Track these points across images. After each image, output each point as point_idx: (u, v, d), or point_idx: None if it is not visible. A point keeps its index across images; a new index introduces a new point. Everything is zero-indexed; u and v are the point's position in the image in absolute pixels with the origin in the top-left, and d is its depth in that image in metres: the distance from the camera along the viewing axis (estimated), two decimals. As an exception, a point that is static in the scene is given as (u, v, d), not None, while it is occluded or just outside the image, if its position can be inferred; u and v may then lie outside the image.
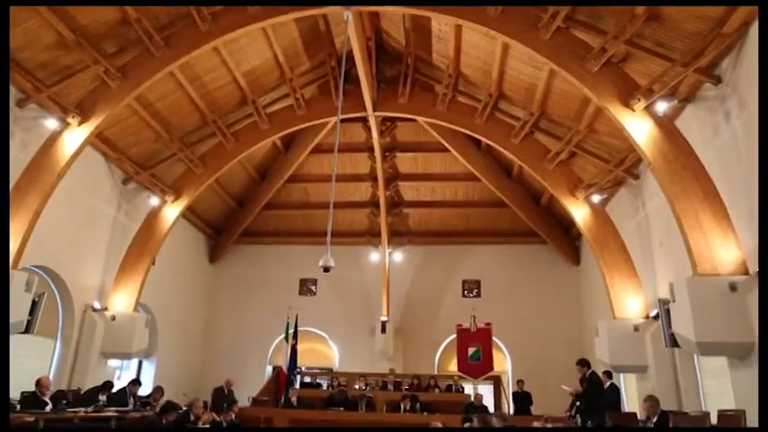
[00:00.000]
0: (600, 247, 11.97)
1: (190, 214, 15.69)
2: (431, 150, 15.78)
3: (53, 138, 9.72)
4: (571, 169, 12.55)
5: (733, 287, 7.11)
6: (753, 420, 5.90)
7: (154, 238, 13.07)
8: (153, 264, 13.09)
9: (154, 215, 13.19)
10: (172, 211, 13.34)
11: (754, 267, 7.13)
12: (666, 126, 8.40)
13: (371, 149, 15.17)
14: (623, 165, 11.19)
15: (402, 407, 11.54)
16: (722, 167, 7.94)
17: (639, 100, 8.40)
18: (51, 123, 9.67)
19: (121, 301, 12.36)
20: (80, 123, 9.87)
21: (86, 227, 11.82)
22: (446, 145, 14.78)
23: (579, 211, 12.25)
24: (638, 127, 8.47)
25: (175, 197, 13.35)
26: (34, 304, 8.83)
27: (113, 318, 11.89)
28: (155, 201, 13.15)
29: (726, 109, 7.89)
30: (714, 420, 6.24)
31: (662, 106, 8.39)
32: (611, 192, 12.36)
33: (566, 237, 16.38)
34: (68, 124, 9.78)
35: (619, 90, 8.76)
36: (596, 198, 12.05)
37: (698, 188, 7.79)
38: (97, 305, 11.94)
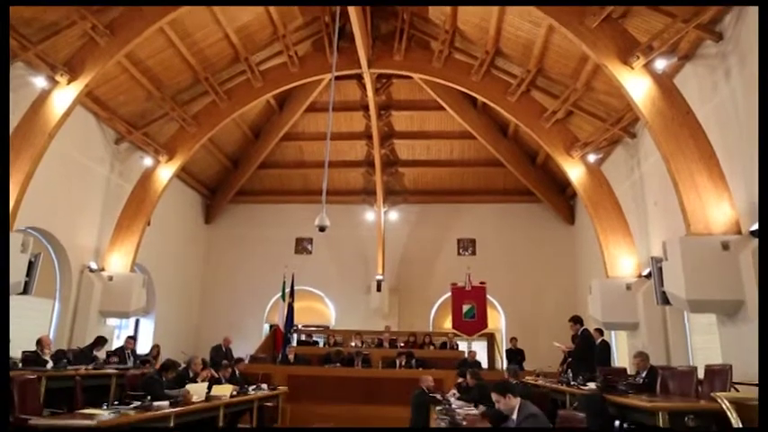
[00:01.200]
0: (594, 206, 12.00)
1: (184, 174, 15.59)
2: (426, 109, 15.60)
3: (42, 97, 9.54)
4: (567, 128, 12.47)
5: (725, 246, 7.17)
6: (738, 374, 6.05)
7: (148, 198, 13.01)
8: (148, 224, 13.09)
9: (148, 175, 13.10)
10: (166, 171, 13.24)
11: (747, 227, 7.18)
12: (665, 84, 8.29)
13: (366, 108, 14.98)
14: (620, 123, 11.12)
15: (397, 363, 11.79)
16: (719, 126, 7.90)
17: (639, 57, 8.26)
18: (40, 82, 9.47)
19: (118, 262, 12.41)
20: (69, 82, 9.66)
21: (80, 188, 11.75)
22: (442, 103, 14.60)
23: (575, 171, 12.23)
24: (637, 85, 8.37)
25: (169, 157, 13.23)
26: (31, 265, 8.85)
27: (110, 278, 11.96)
28: (148, 161, 13.03)
29: (726, 67, 7.79)
30: (701, 374, 6.38)
31: (661, 64, 8.26)
32: (607, 151, 12.32)
33: (561, 196, 16.42)
34: (57, 83, 9.58)
35: (618, 47, 8.60)
36: (592, 157, 12.01)
37: (694, 147, 7.76)
38: (94, 266, 11.98)
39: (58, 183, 10.92)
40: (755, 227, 6.92)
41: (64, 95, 9.64)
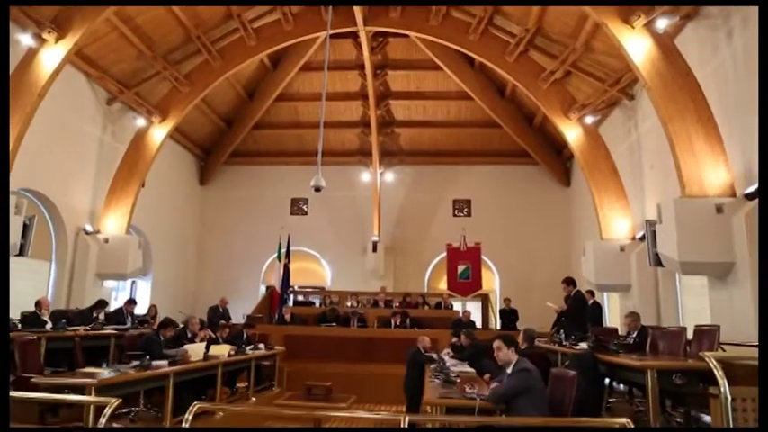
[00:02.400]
0: (591, 168, 11.99)
1: (178, 135, 15.43)
2: (423, 68, 15.36)
3: (30, 56, 9.32)
4: (565, 89, 12.33)
5: (719, 209, 7.22)
6: (726, 335, 6.17)
7: (142, 159, 12.90)
8: (143, 186, 13.02)
9: (141, 136, 12.95)
10: (159, 132, 13.09)
11: (741, 190, 7.20)
12: (666, 44, 8.16)
13: (362, 67, 14.74)
14: (618, 85, 11.00)
15: (392, 323, 11.97)
16: (718, 89, 7.82)
17: (640, 16, 8.10)
18: (26, 40, 9.22)
19: (113, 224, 12.39)
20: (57, 40, 9.42)
21: (73, 149, 11.63)
22: (438, 63, 14.37)
23: (572, 132, 12.16)
24: (637, 45, 8.23)
25: (162, 118, 13.05)
26: (25, 227, 8.83)
27: (106, 240, 11.97)
28: (141, 121, 12.86)
29: (728, 27, 7.66)
30: (690, 335, 6.51)
31: (662, 23, 8.11)
32: (604, 113, 12.22)
33: (557, 158, 16.38)
34: (45, 41, 9.34)
35: (619, 5, 8.42)
36: (589, 119, 11.93)
37: (692, 110, 7.70)
38: (89, 228, 11.97)
39: (49, 144, 10.79)
40: (750, 189, 6.95)
41: (52, 54, 9.41)
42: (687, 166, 7.68)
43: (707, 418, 5.50)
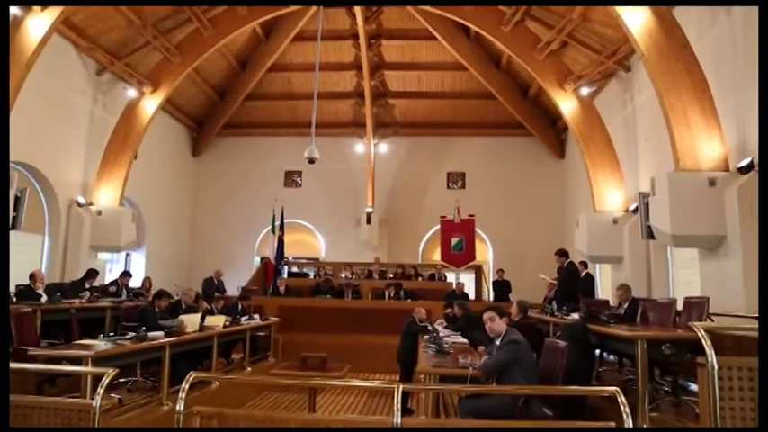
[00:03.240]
0: (585, 140, 11.97)
1: (170, 106, 15.25)
2: (418, 38, 15.14)
3: (15, 25, 9.08)
4: (561, 60, 12.22)
5: (712, 182, 7.24)
6: (715, 306, 6.27)
7: (134, 131, 12.76)
8: (135, 158, 12.91)
9: (132, 107, 12.78)
10: (151, 103, 12.93)
11: (734, 163, 7.22)
12: (664, 15, 8.04)
13: (356, 37, 14.52)
14: (615, 56, 10.91)
15: (386, 294, 12.07)
16: (715, 61, 7.77)
17: (638, -14, 7.98)
18: (12, 8, 9.00)
19: (106, 196, 12.32)
20: (42, 8, 9.20)
21: (63, 121, 11.48)
22: (433, 32, 14.15)
23: (567, 104, 12.10)
24: (634, 15, 8.11)
25: (153, 88, 12.87)
26: (17, 200, 8.77)
27: (99, 213, 11.91)
28: (132, 92, 12.68)
29: (727, -2, 7.57)
30: (680, 306, 6.60)
31: (660, -6, 8.00)
32: (600, 84, 12.15)
33: (552, 130, 16.33)
34: (30, 8, 9.12)
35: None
36: (585, 91, 11.87)
37: (689, 82, 7.65)
38: (82, 200, 11.90)
39: (39, 116, 10.64)
40: (743, 163, 6.97)
41: (38, 23, 9.18)
42: (681, 139, 7.67)
43: (694, 387, 5.63)
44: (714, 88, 7.58)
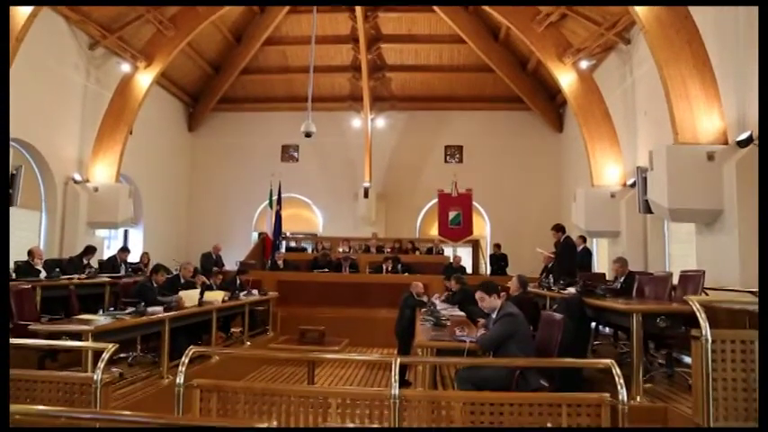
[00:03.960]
0: (584, 114, 11.90)
1: (165, 81, 15.09)
2: (415, 10, 14.91)
3: (4, -3, 8.93)
4: (561, 32, 12.06)
5: (710, 156, 7.22)
6: (710, 280, 6.32)
7: (129, 106, 12.63)
8: (131, 133, 12.81)
9: (126, 82, 12.63)
10: (145, 78, 12.77)
11: (733, 137, 7.20)
12: (665, -15, 7.94)
13: (353, 9, 14.29)
14: (615, 28, 10.78)
15: (384, 268, 12.12)
16: (716, 34, 7.66)
17: (639, -44, 7.85)
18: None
19: (102, 172, 12.26)
20: (33, -20, 9.02)
21: (56, 96, 11.35)
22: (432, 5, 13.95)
23: (566, 77, 11.99)
24: (635, -14, 8.01)
25: (147, 63, 12.70)
26: (13, 177, 8.72)
27: (96, 189, 11.87)
28: (126, 67, 12.52)
29: (729, -31, 7.44)
30: (676, 280, 6.65)
31: (662, -36, 7.86)
32: (599, 57, 12.02)
33: (550, 104, 16.22)
34: (20, -20, 8.94)
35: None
36: (584, 64, 11.75)
37: (689, 55, 7.58)
38: (78, 177, 11.85)
39: (32, 92, 10.51)
40: (742, 137, 6.94)
41: (28, -5, 9.03)
42: (681, 113, 7.63)
43: (687, 359, 5.71)
44: (715, 60, 7.51)
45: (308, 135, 11.47)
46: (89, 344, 4.51)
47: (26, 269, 7.68)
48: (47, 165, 11.17)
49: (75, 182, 11.75)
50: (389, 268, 12.08)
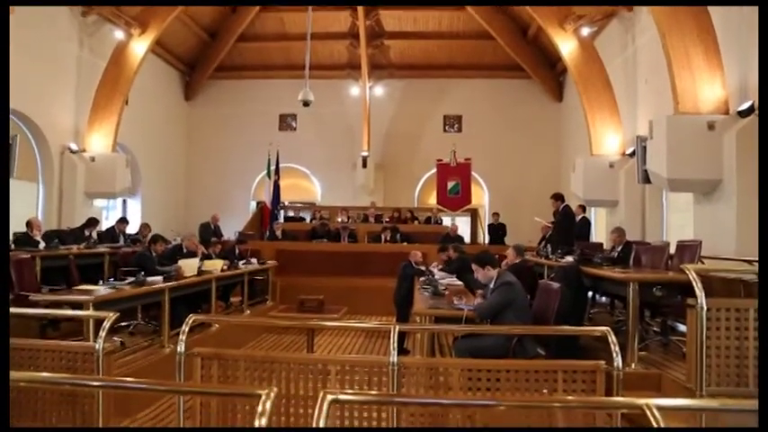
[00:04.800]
0: (584, 82, 11.77)
1: (160, 49, 14.84)
2: (414, -25, 14.61)
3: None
4: (562, -2, 11.84)
5: (711, 126, 7.18)
6: (707, 249, 6.35)
7: (124, 74, 12.44)
8: (126, 103, 12.66)
9: (121, 50, 12.41)
10: (140, 46, 12.55)
11: (734, 107, 7.14)
12: (669, -50, 7.76)
13: (350, -26, 14.00)
14: (618, -6, 10.57)
15: (383, 237, 12.16)
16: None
17: None
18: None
19: (99, 142, 12.15)
20: (22, -57, 8.80)
21: (49, 65, 11.15)
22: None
23: (566, 45, 11.82)
24: (639, -49, 7.84)
25: (142, 30, 12.46)
26: (8, 147, 8.66)
27: (93, 159, 11.79)
28: (120, 34, 12.27)
29: (735, -68, 7.26)
30: (673, 250, 6.69)
31: (667, -73, 7.67)
32: (601, 24, 11.82)
33: (550, 72, 16.04)
34: (9, -56, 8.71)
35: None
36: (585, 31, 11.56)
37: (693, 22, 7.45)
38: (74, 147, 11.75)
39: (24, 61, 10.28)
40: (744, 106, 6.89)
41: (19, -41, 8.82)
42: (682, 82, 7.54)
43: (682, 328, 5.79)
44: (719, 28, 7.39)
45: (305, 104, 11.37)
46: (90, 313, 4.55)
47: (25, 240, 7.69)
48: (42, 135, 11.07)
49: (72, 152, 11.66)
50: (388, 238, 12.11)
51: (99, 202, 12.40)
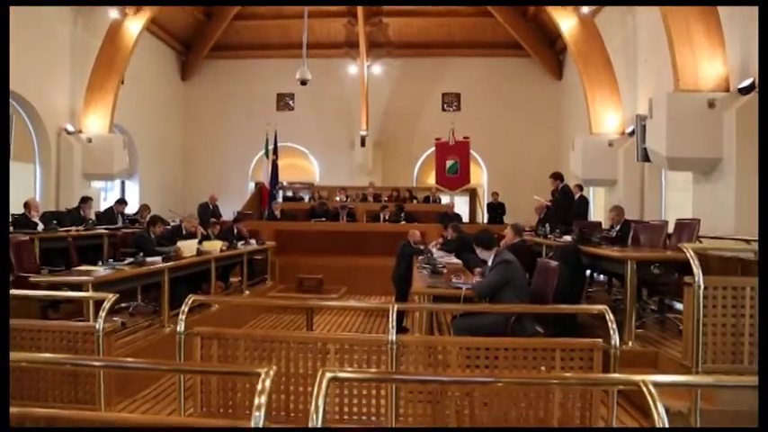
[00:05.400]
0: (584, 60, 11.66)
1: (155, 28, 14.65)
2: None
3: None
4: (563, -26, 11.67)
5: (711, 104, 7.13)
6: (706, 228, 6.37)
7: (119, 54, 12.29)
8: (122, 83, 12.54)
9: (115, 29, 12.23)
10: (135, 25, 12.36)
11: (735, 84, 7.09)
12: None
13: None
14: (618, -31, 10.42)
15: (381, 217, 12.16)
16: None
17: None
18: None
19: (95, 123, 12.06)
20: None
21: (44, 45, 11.00)
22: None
23: (567, 22, 11.68)
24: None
25: (136, 9, 12.28)
26: (4, 127, 8.59)
27: (89, 140, 11.72)
28: (114, 13, 12.08)
29: None
30: (671, 229, 6.70)
31: None
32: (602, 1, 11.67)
33: (550, 50, 15.88)
34: None
35: None
36: (586, 8, 11.41)
37: (695, -2, 7.36)
38: (71, 128, 11.66)
39: (17, 41, 10.11)
40: (745, 84, 6.84)
41: (10, -65, 8.64)
42: (683, 59, 7.47)
43: (679, 306, 5.82)
44: (721, 5, 7.29)
45: (303, 83, 11.28)
46: (90, 294, 4.56)
47: (23, 222, 7.67)
48: (38, 115, 10.98)
49: (68, 132, 11.58)
50: (386, 217, 12.11)
51: (97, 184, 12.36)
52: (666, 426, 1.56)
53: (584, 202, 9.99)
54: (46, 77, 11.17)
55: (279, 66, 16.18)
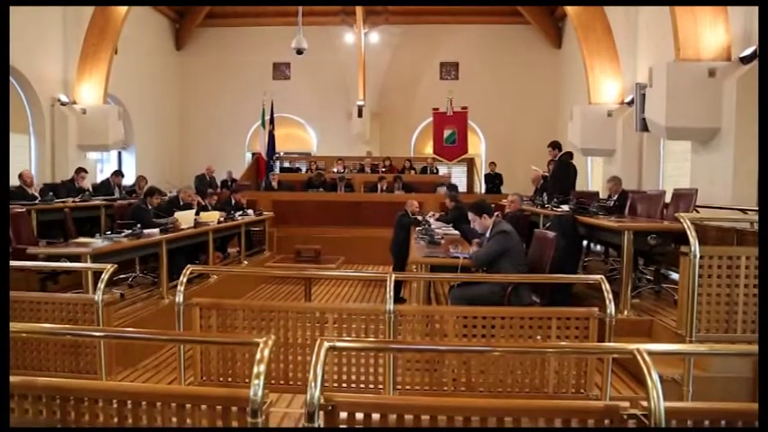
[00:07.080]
0: (584, 29, 11.48)
1: (147, -6, 14.35)
2: None
3: None
4: (564, -62, 11.42)
5: (711, 73, 7.06)
6: (703, 198, 6.38)
7: (111, 23, 12.02)
8: (116, 53, 12.33)
9: (107, -4, 11.98)
10: (127, -9, 12.11)
11: (737, 53, 7.00)
12: None
13: None
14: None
15: (379, 187, 12.14)
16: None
17: None
18: None
19: (89, 94, 11.88)
20: None
21: (35, 13, 10.74)
22: None
23: (567, -11, 11.47)
24: None
25: (128, -25, 12.00)
26: (-3, 97, 8.48)
27: (84, 111, 11.57)
28: (106, -21, 11.83)
29: None
30: (668, 198, 6.70)
31: None
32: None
33: (549, 18, 15.65)
34: None
35: None
36: (587, -26, 11.19)
37: (698, -37, 7.21)
38: (64, 98, 11.50)
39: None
40: (746, 52, 6.75)
41: None
42: (684, 27, 7.35)
43: (674, 276, 5.87)
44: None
45: (299, 52, 11.13)
46: (89, 265, 4.57)
47: (19, 194, 7.64)
48: (31, 86, 10.81)
49: (62, 103, 11.43)
50: (384, 187, 12.09)
51: (93, 155, 12.27)
52: (660, 391, 1.59)
53: (574, 171, 9.95)
54: (37, 47, 10.97)
55: (274, 34, 15.93)
